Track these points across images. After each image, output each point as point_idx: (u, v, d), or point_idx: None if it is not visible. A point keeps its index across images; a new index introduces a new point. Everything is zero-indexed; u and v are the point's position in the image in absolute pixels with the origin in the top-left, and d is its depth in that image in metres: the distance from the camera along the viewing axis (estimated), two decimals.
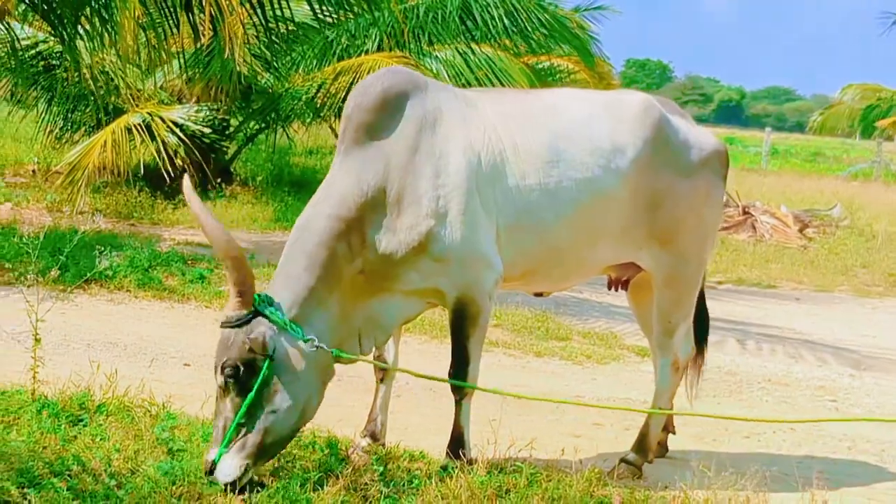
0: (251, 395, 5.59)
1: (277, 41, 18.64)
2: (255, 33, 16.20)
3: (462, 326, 6.22)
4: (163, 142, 16.93)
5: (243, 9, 14.16)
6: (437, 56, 19.07)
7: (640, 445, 6.90)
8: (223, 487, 5.50)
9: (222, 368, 5.62)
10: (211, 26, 13.93)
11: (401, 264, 6.06)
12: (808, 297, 16.14)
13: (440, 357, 9.73)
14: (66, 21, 12.98)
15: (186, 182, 5.79)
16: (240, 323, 5.67)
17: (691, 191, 6.67)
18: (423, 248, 6.03)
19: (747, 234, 21.24)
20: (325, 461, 6.03)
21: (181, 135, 17.28)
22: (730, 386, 9.73)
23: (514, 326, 10.95)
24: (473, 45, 18.99)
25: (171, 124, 17.25)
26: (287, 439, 5.84)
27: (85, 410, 6.47)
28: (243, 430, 5.60)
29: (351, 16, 17.68)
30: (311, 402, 5.85)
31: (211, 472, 5.54)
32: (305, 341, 5.71)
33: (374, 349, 6.35)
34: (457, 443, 6.30)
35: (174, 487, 5.50)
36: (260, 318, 5.68)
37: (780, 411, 8.98)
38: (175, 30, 13.62)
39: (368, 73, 15.81)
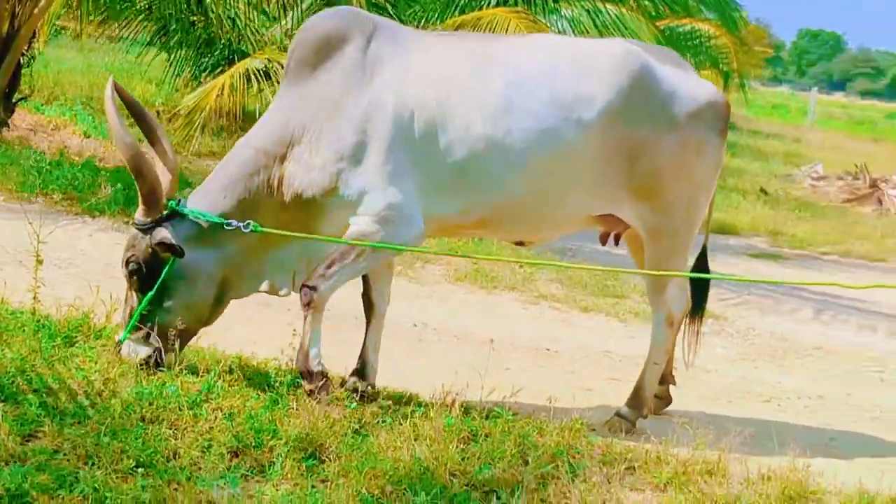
0: (151, 293, 6.13)
1: None
2: None
3: (348, 254, 6.19)
4: None
5: None
6: (563, 14, 18.93)
7: (635, 400, 6.81)
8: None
9: (127, 263, 6.19)
10: None
11: (314, 205, 6.17)
12: None
13: (480, 306, 9.79)
14: None
15: (108, 90, 6.15)
16: (145, 228, 6.15)
17: (678, 144, 6.45)
18: (335, 190, 6.13)
19: (872, 208, 20.81)
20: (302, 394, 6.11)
21: None
22: (774, 351, 9.56)
23: (571, 282, 10.82)
24: (600, 4, 18.79)
25: None
26: (184, 335, 6.23)
27: (81, 333, 6.62)
28: (146, 320, 6.15)
29: None
30: (207, 307, 6.31)
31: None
32: (226, 225, 6.08)
33: None
34: (302, 356, 6.25)
35: (144, 410, 5.63)
36: (163, 225, 6.12)
37: (816, 378, 8.81)
38: None
39: (486, 26, 15.87)
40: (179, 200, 6.25)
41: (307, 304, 6.20)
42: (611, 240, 6.95)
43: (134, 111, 6.38)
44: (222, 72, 18.58)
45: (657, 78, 6.47)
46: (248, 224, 6.07)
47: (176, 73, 19.99)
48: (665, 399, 7.17)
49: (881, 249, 16.74)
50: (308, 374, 6.21)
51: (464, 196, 6.28)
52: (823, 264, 15.28)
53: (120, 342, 6.23)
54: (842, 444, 7.03)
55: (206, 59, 19.91)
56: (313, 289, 6.18)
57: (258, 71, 17.17)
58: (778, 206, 19.43)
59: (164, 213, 6.17)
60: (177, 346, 6.16)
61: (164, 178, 6.25)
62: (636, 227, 6.62)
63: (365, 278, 6.65)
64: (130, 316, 6.22)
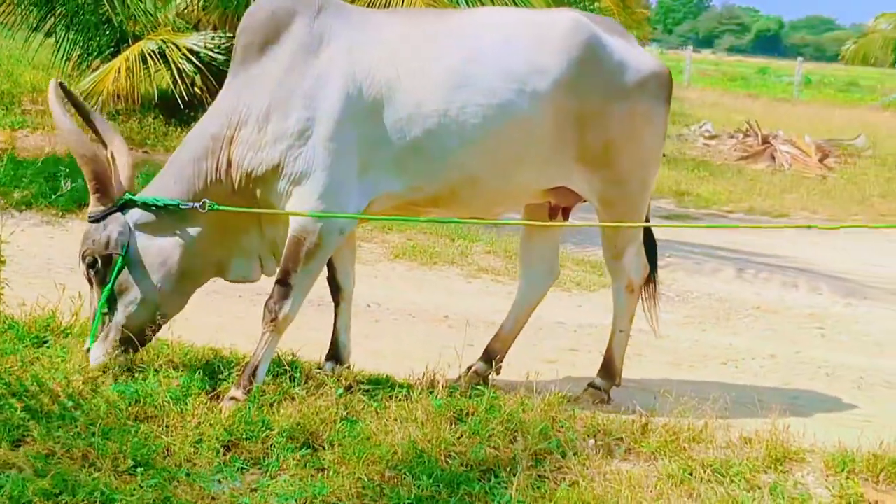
0: (107, 287, 6.00)
1: None
2: None
3: (297, 255, 6.09)
4: (178, 69, 16.87)
5: None
6: None
7: (607, 370, 6.90)
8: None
9: (83, 258, 6.04)
10: None
11: (262, 184, 6.08)
12: None
13: (425, 282, 9.80)
14: None
15: (51, 86, 6.06)
16: (99, 218, 6.02)
17: (626, 114, 6.48)
18: (282, 167, 6.01)
19: (766, 164, 21.16)
20: (285, 384, 6.06)
21: (197, 62, 17.21)
22: (717, 313, 9.73)
23: (507, 253, 10.86)
24: None
25: (186, 52, 17.17)
26: (147, 331, 6.12)
27: (50, 332, 6.52)
28: (108, 319, 6.04)
29: None
30: (170, 298, 6.15)
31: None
32: (181, 206, 5.99)
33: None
34: (250, 370, 6.04)
35: (130, 408, 5.55)
36: (115, 215, 6.02)
37: (763, 338, 8.98)
38: None
39: None
40: (134, 193, 6.13)
41: (270, 322, 6.07)
42: None
43: (83, 113, 6.29)
44: (112, 55, 18.29)
45: (607, 48, 6.48)
46: (205, 203, 5.96)
47: (65, 57, 19.59)
48: (485, 375, 7.05)
49: (782, 205, 17.04)
50: (244, 388, 5.96)
51: (417, 173, 6.21)
52: (730, 222, 15.53)
53: (88, 350, 6.06)
54: (806, 403, 7.18)
55: (95, 42, 19.54)
56: (278, 309, 6.06)
57: (153, 52, 16.96)
58: (678, 167, 19.67)
59: (118, 202, 6.03)
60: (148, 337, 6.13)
61: (124, 173, 6.14)
62: (589, 198, 6.65)
63: (329, 262, 6.60)
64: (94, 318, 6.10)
